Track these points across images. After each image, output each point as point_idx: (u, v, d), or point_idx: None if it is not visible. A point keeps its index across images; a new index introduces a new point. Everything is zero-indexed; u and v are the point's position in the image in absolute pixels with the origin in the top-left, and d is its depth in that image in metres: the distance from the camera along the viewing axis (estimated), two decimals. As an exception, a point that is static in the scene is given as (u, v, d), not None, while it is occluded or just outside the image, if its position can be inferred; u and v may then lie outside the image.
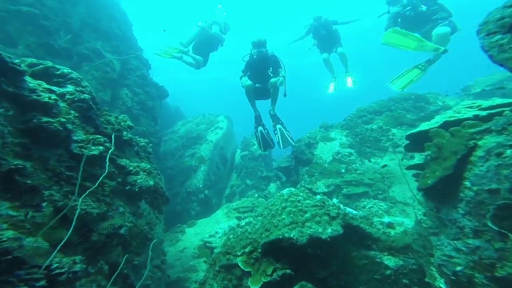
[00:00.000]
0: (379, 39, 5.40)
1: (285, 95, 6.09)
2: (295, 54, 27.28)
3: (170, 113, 14.10)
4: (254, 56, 6.05)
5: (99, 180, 2.13)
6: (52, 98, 2.29)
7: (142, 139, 3.53)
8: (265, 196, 8.85)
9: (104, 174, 2.20)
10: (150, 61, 8.93)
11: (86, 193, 2.02)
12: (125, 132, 3.01)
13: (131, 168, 2.76)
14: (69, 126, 2.30)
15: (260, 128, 6.38)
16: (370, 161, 6.37)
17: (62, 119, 2.27)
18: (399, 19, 5.85)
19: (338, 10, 19.96)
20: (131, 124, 3.19)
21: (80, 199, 1.95)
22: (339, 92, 8.68)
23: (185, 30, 7.54)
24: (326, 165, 6.63)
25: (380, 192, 5.32)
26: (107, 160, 2.26)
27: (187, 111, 16.07)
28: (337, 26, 8.20)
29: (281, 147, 6.39)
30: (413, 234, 2.95)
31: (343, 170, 6.22)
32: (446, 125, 2.72)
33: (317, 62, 9.68)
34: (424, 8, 5.42)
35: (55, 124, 2.16)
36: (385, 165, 5.78)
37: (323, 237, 2.61)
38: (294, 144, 6.56)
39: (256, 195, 8.73)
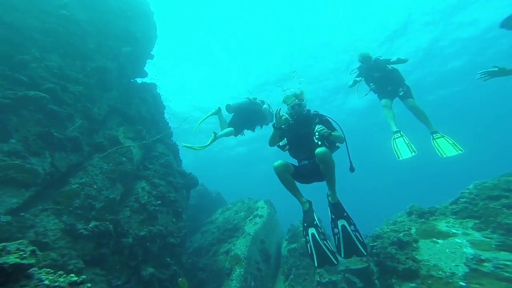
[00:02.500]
0: None
1: (351, 169, 3.99)
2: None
3: (211, 200, 13.04)
4: (291, 120, 4.27)
5: None
6: None
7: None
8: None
9: None
10: (179, 140, 8.08)
11: None
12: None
13: None
14: None
15: (312, 230, 4.00)
16: None
17: None
18: None
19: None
20: (32, 249, 1.61)
21: None
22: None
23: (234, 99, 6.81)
24: (462, 284, 3.73)
25: None
26: None
27: (228, 195, 15.02)
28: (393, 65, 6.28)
29: (342, 256, 3.87)
30: None
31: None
32: None
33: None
34: None
35: None
36: None
37: None
38: (365, 253, 3.93)
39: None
